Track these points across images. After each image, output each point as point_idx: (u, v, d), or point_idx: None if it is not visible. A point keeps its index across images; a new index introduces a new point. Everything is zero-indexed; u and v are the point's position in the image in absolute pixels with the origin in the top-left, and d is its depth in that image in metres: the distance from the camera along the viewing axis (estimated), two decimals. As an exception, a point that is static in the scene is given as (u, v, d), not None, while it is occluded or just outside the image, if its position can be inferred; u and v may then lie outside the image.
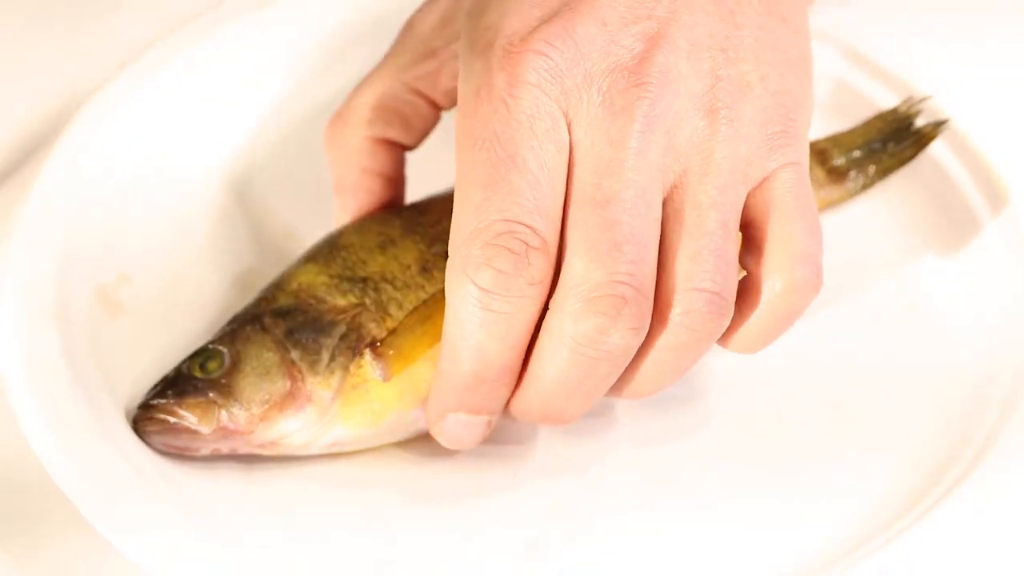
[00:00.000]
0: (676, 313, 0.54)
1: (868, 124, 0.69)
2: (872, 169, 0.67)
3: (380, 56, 0.71)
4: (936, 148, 0.68)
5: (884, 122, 0.68)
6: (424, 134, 0.64)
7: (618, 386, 0.57)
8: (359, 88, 0.64)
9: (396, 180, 0.64)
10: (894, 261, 0.67)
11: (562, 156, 0.54)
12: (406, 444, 0.60)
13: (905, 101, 0.69)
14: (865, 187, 0.68)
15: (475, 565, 0.58)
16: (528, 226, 0.53)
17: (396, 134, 0.63)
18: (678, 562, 0.58)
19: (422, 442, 0.60)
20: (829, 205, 0.67)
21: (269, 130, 0.71)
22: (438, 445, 0.59)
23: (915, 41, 0.72)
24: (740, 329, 0.56)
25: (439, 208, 0.62)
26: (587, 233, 0.53)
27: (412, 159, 0.65)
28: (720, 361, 0.63)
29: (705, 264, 0.54)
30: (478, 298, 0.53)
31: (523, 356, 0.55)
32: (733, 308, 0.55)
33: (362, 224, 0.62)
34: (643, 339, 0.54)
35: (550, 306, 0.54)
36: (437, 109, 0.64)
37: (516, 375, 0.56)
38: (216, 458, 0.59)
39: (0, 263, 0.61)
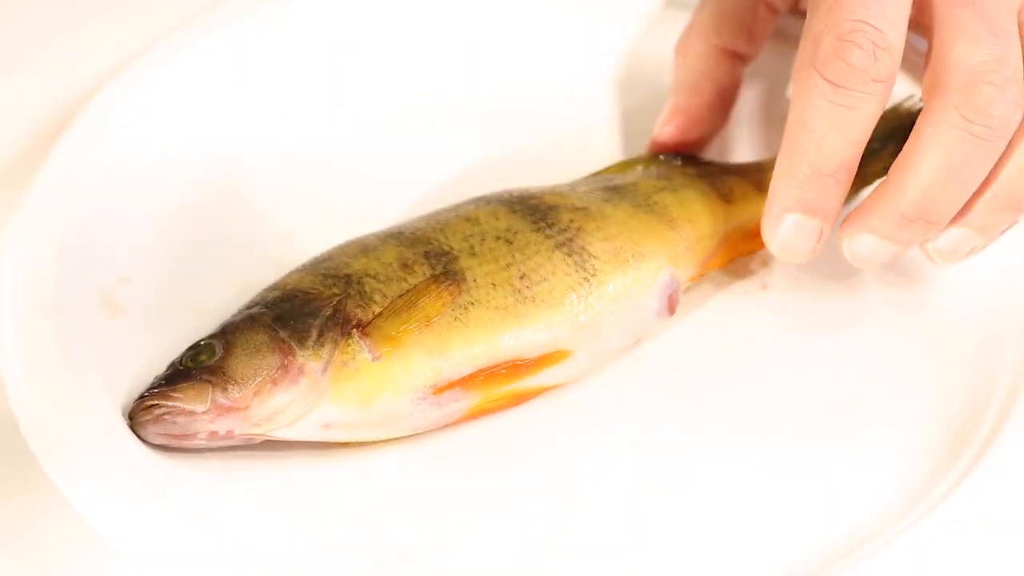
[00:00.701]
0: None
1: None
2: (868, 172, 0.66)
3: (384, 57, 0.72)
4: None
5: (884, 121, 0.67)
6: (763, 42, 0.69)
7: (990, 182, 0.60)
8: (706, 1, 0.69)
9: (728, 94, 0.69)
10: (893, 266, 0.67)
11: None
12: (401, 440, 0.60)
13: (908, 98, 0.68)
14: (859, 188, 0.67)
15: (472, 563, 0.57)
16: (878, 29, 0.58)
17: (741, 44, 0.68)
18: (679, 560, 0.57)
19: (418, 438, 0.60)
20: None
21: (269, 132, 0.71)
22: (434, 440, 0.60)
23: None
24: None
25: (414, 225, 0.63)
26: (962, 23, 0.58)
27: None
28: (720, 362, 0.63)
29: None
30: (824, 90, 0.58)
31: (859, 157, 0.60)
32: None
33: (341, 244, 0.63)
34: (1020, 121, 0.58)
35: (930, 95, 0.59)
36: (775, 13, 0.68)
37: (852, 175, 0.60)
38: (214, 454, 0.59)
39: (0, 264, 0.62)
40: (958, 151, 0.58)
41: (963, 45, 0.58)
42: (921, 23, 0.61)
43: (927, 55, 0.60)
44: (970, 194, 0.60)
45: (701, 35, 0.68)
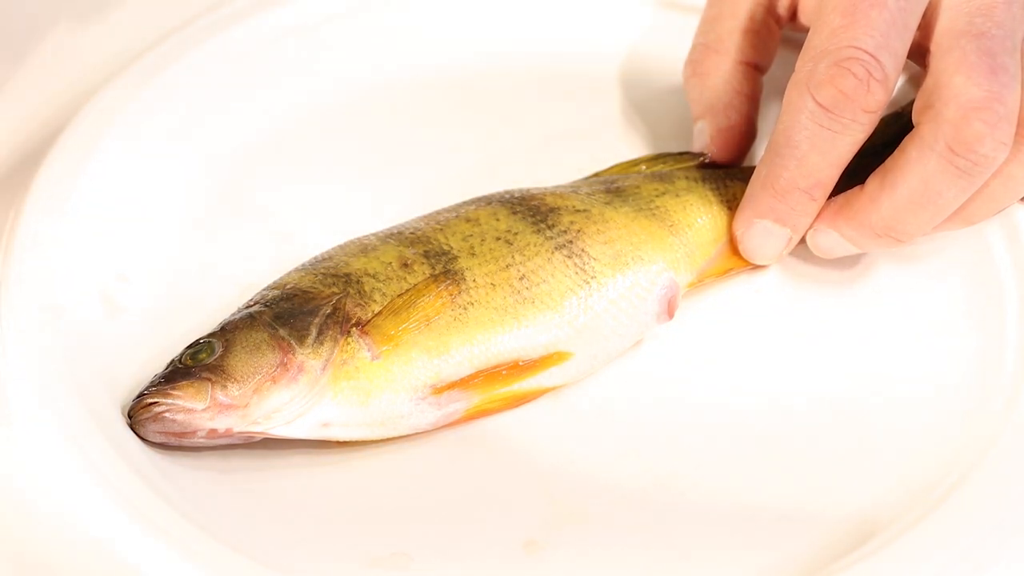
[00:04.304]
0: None
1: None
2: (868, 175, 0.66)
3: (384, 57, 0.72)
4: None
5: (885, 124, 0.67)
6: (775, 52, 0.70)
7: (960, 209, 0.61)
8: (719, 17, 0.69)
9: (758, 106, 0.69)
10: (890, 266, 0.67)
11: (921, 5, 0.60)
12: (401, 440, 0.60)
13: (909, 103, 0.68)
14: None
15: (472, 564, 0.57)
16: (876, 59, 0.59)
17: (760, 57, 0.69)
18: (679, 561, 0.57)
19: (417, 438, 0.60)
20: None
21: (269, 132, 0.71)
22: (433, 441, 0.60)
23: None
24: None
25: (414, 224, 0.64)
26: (965, 57, 0.59)
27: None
28: (718, 364, 0.63)
29: None
30: (813, 111, 0.60)
31: (836, 178, 0.61)
32: None
33: (341, 244, 0.64)
34: (1005, 159, 0.59)
35: (921, 120, 0.60)
36: (781, 24, 0.69)
37: (826, 194, 0.62)
38: (213, 453, 0.59)
39: (1, 263, 0.62)
40: (938, 180, 0.59)
41: (962, 79, 0.59)
42: (922, 46, 0.62)
43: (923, 77, 0.61)
44: (941, 220, 0.61)
45: (723, 54, 0.68)
